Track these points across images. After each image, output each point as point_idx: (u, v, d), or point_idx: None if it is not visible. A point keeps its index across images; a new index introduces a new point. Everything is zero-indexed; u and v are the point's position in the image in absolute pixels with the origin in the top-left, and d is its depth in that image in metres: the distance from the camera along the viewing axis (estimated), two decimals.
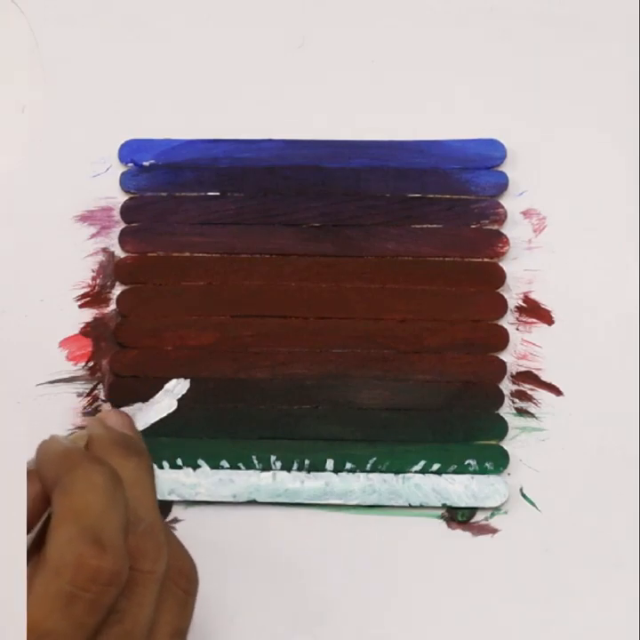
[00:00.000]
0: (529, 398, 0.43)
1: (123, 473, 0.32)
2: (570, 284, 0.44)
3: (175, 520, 0.42)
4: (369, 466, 0.42)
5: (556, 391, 0.43)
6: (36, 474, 0.33)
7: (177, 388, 0.41)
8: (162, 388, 0.42)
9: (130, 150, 0.45)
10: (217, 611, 0.41)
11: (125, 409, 0.38)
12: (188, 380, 0.41)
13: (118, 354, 0.43)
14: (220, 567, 0.41)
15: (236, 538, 0.40)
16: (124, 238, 0.44)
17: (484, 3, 0.48)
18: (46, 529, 0.32)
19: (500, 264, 0.44)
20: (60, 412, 0.43)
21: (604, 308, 0.44)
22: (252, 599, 0.41)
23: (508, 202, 0.45)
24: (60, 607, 0.30)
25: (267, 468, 0.42)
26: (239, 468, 0.42)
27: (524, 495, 0.42)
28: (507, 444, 0.42)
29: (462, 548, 0.41)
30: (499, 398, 0.43)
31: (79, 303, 0.44)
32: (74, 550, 0.30)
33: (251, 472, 0.42)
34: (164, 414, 0.42)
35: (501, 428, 0.42)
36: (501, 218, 0.44)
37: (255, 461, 0.42)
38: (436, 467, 0.42)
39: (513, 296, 0.44)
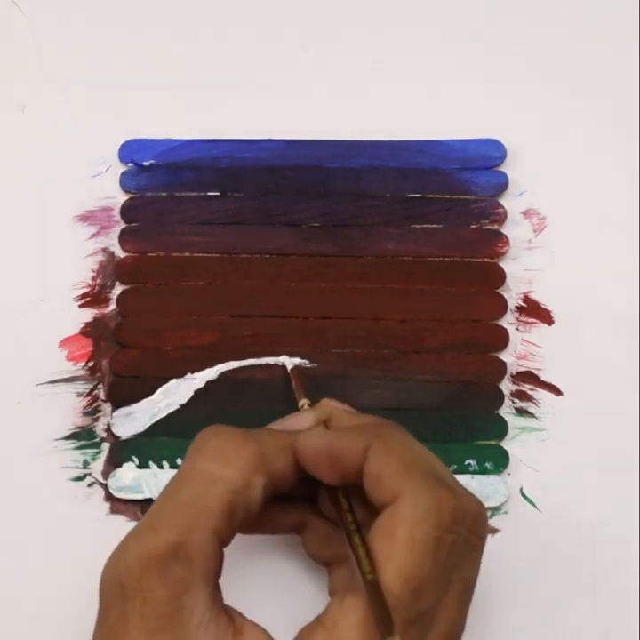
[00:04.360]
0: (529, 398, 0.43)
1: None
2: (570, 284, 0.44)
3: None
4: None
5: (556, 391, 0.43)
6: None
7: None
8: (161, 387, 0.43)
9: (130, 150, 0.45)
10: None
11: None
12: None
13: (118, 354, 0.43)
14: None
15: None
16: (123, 238, 0.44)
17: (483, 3, 0.48)
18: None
19: (500, 264, 0.44)
20: (60, 412, 0.43)
21: (603, 308, 0.44)
22: (253, 598, 0.41)
23: (508, 202, 0.45)
24: (430, 552, 0.29)
25: None
26: None
27: (523, 495, 0.42)
28: (507, 444, 0.42)
29: None
30: (499, 398, 0.43)
31: (79, 303, 0.44)
32: (432, 494, 0.30)
33: None
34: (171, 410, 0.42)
35: (501, 428, 0.42)
36: (501, 218, 0.44)
37: None
38: None
39: (513, 296, 0.44)
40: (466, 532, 0.30)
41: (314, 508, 0.36)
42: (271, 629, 0.31)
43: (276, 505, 0.35)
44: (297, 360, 0.43)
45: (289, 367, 0.42)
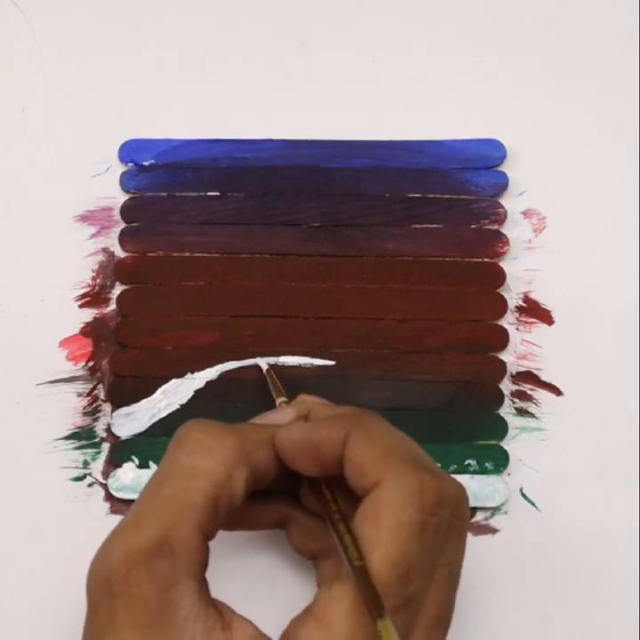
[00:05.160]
0: (529, 398, 0.43)
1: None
2: (570, 284, 0.44)
3: None
4: None
5: (556, 391, 0.43)
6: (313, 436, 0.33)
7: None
8: (161, 387, 0.42)
9: (130, 150, 0.45)
10: None
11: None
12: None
13: (118, 354, 0.43)
14: (220, 565, 0.41)
15: (237, 536, 0.40)
16: (123, 238, 0.44)
17: (484, 3, 0.48)
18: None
19: (500, 264, 0.44)
20: (60, 412, 0.43)
21: (603, 308, 0.44)
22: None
23: (508, 202, 0.45)
24: (416, 536, 0.29)
25: None
26: None
27: (524, 495, 0.42)
28: (507, 444, 0.42)
29: None
30: (499, 398, 0.43)
31: (79, 303, 0.44)
32: (414, 478, 0.30)
33: None
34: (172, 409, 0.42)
35: (501, 428, 0.42)
36: (501, 218, 0.44)
37: None
38: None
39: (513, 296, 0.44)
40: (449, 515, 0.30)
41: (296, 503, 0.36)
42: (258, 623, 0.31)
43: (258, 501, 0.35)
44: (272, 360, 0.42)
45: (264, 368, 0.42)
